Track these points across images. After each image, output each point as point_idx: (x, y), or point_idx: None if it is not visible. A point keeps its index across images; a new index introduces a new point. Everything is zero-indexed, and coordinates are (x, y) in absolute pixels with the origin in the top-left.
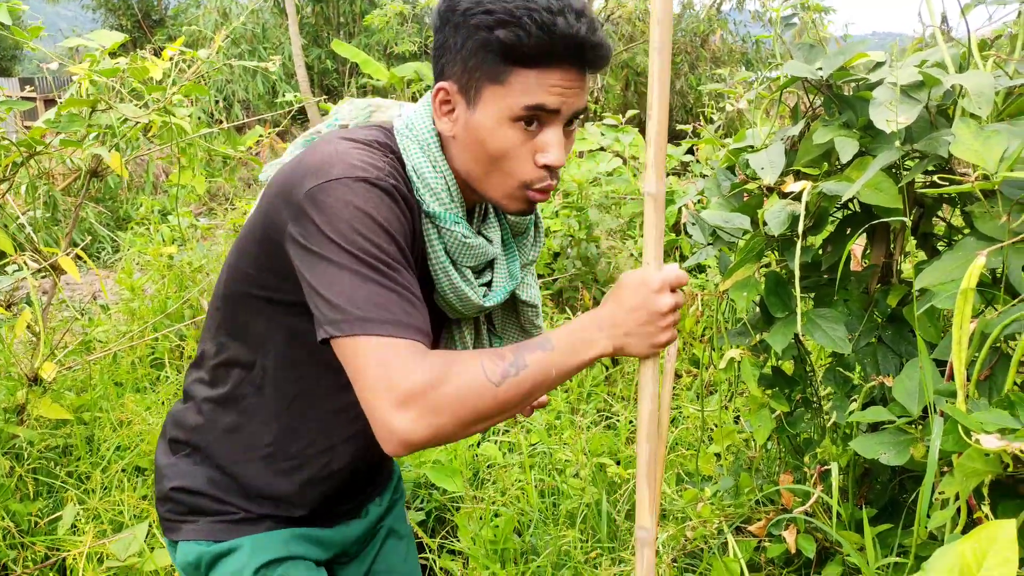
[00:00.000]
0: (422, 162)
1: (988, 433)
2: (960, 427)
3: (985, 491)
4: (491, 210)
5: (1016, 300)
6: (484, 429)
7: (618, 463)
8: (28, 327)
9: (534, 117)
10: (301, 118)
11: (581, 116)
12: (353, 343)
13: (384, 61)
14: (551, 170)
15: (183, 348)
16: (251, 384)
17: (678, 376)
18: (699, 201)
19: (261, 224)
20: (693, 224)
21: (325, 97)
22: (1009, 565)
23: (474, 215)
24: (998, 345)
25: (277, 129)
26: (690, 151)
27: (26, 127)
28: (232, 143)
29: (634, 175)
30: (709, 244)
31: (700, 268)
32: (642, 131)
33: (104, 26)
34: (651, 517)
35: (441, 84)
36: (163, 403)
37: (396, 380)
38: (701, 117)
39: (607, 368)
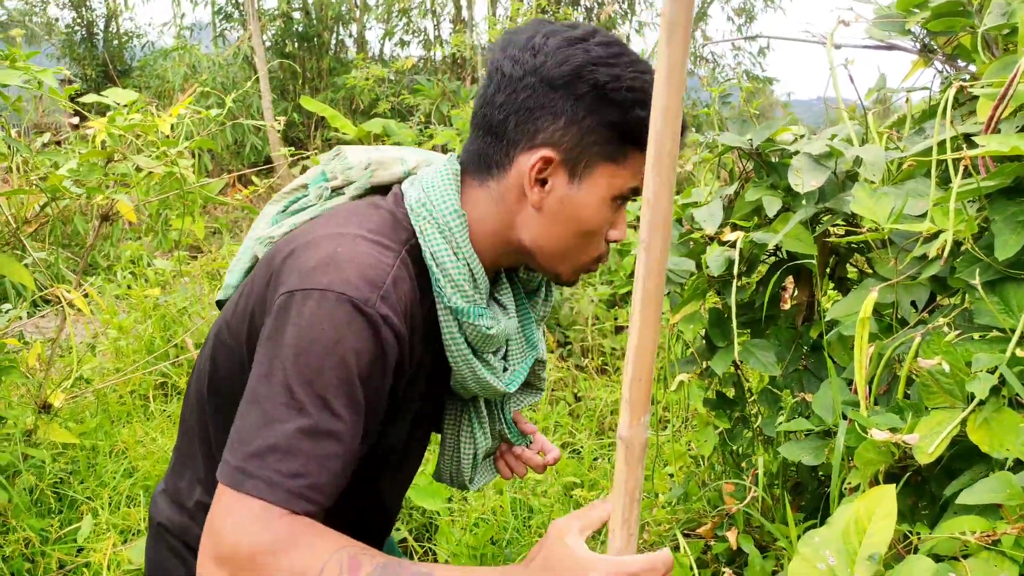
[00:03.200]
0: (442, 249)
1: (880, 430)
2: (859, 426)
3: (881, 479)
4: (503, 287)
5: (905, 328)
6: None
7: (581, 485)
8: (38, 357)
9: (628, 199)
10: (268, 168)
11: None
12: (221, 488)
13: (349, 116)
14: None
15: (167, 383)
16: None
17: None
18: None
19: (247, 314)
20: None
21: (292, 149)
22: (890, 517)
23: (493, 295)
24: (893, 366)
25: (238, 172)
26: None
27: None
28: (208, 189)
29: None
30: None
31: None
32: None
33: (69, 75)
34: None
35: (547, 153)
36: (160, 433)
37: (230, 534)
38: None
39: (570, 405)
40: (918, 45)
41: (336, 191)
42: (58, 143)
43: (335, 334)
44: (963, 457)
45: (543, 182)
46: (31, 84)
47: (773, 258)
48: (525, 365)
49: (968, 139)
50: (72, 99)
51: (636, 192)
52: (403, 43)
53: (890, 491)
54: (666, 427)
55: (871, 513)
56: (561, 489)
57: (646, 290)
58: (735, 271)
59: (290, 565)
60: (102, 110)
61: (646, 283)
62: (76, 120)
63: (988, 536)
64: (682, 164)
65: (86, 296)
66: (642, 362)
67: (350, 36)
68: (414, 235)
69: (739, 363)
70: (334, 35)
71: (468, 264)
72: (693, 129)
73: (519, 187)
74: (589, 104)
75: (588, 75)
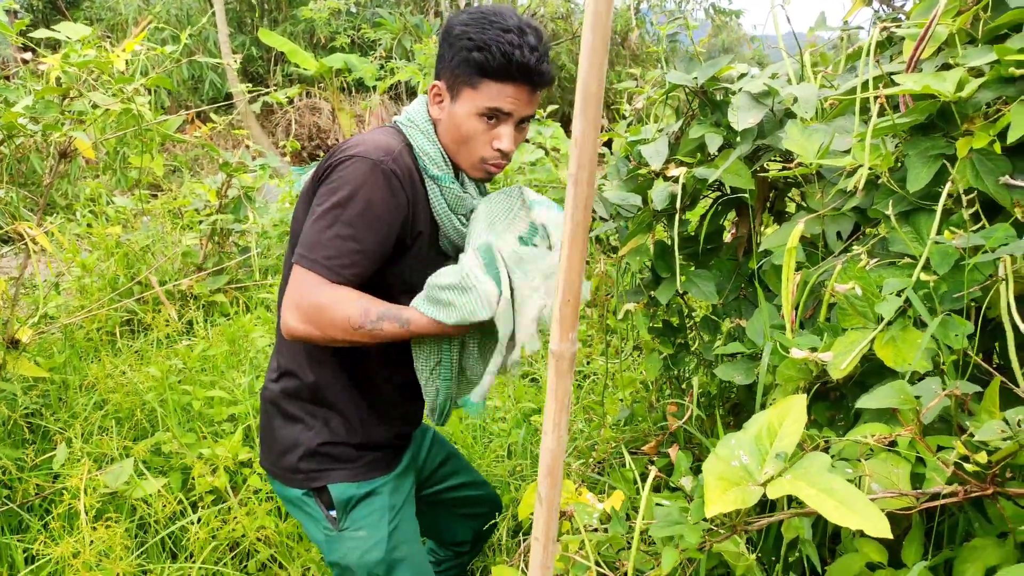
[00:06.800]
0: (424, 142)
1: (800, 350)
2: (781, 346)
3: (801, 393)
4: (466, 181)
5: (830, 257)
6: (344, 345)
7: (539, 411)
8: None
9: (494, 115)
10: (227, 105)
11: (530, 119)
12: (294, 267)
13: (310, 50)
14: (503, 153)
15: (133, 320)
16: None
17: (588, 345)
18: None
19: (306, 193)
20: (598, 202)
21: (250, 85)
22: (799, 422)
23: (457, 180)
24: (818, 292)
25: (197, 109)
26: (608, 144)
27: None
28: (165, 126)
29: (555, 165)
30: (611, 219)
31: (614, 249)
32: (563, 125)
33: (12, 5)
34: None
35: (435, 82)
36: (128, 367)
37: (302, 296)
38: (616, 113)
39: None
40: None
41: None
42: (7, 77)
43: (362, 180)
44: (875, 373)
45: (439, 103)
46: None
47: (717, 193)
48: None
49: (893, 78)
50: (22, 33)
51: (495, 111)
52: None
53: (800, 400)
54: (619, 356)
55: (782, 419)
56: (520, 415)
57: (575, 220)
58: (678, 205)
59: (334, 312)
60: (53, 44)
61: (574, 214)
62: (28, 56)
63: (886, 439)
64: (633, 102)
65: (48, 234)
66: (570, 285)
67: None
68: (407, 140)
69: (682, 293)
70: None
71: (440, 151)
72: (660, 66)
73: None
74: (453, 49)
75: (452, 31)
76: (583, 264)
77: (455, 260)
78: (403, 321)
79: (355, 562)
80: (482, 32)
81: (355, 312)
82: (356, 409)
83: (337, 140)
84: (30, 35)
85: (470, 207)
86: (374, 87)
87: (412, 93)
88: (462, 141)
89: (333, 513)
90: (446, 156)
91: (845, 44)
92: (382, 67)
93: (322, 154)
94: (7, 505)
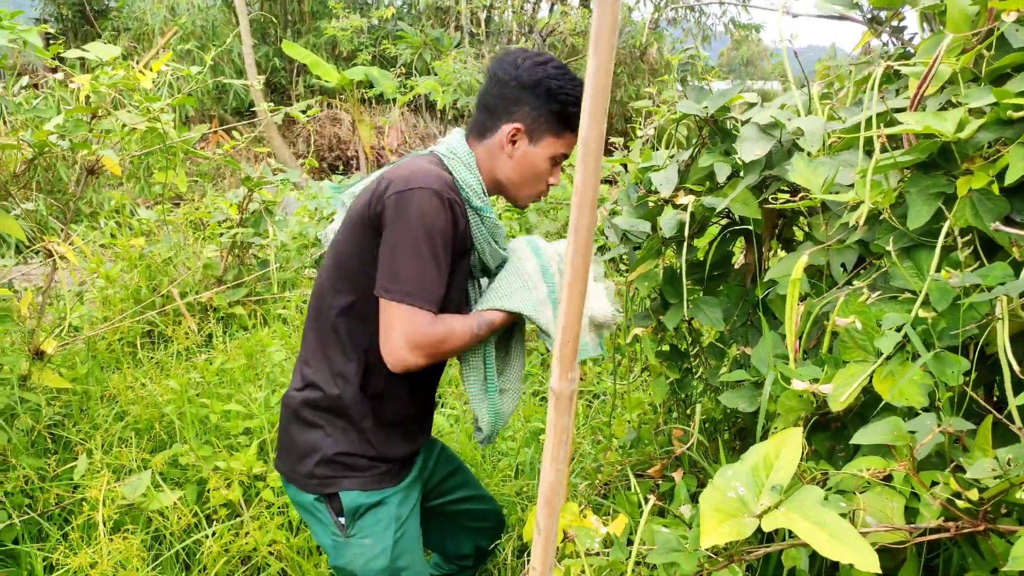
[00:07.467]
0: (466, 174)
1: (801, 381)
2: (781, 377)
3: (801, 425)
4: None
5: (833, 288)
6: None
7: None
8: (29, 306)
9: (561, 159)
10: (250, 115)
11: None
12: (395, 305)
13: (332, 62)
14: (548, 188)
15: (154, 331)
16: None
17: (598, 364)
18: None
19: (353, 222)
20: (609, 227)
21: (271, 104)
22: (795, 454)
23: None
24: (822, 322)
25: (222, 124)
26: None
27: None
28: (187, 142)
29: (570, 181)
30: (620, 244)
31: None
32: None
33: (43, 15)
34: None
35: (516, 124)
36: (148, 380)
37: (421, 335)
38: (631, 132)
39: (542, 355)
40: (868, 16)
41: None
42: (35, 86)
43: (436, 213)
44: (875, 405)
45: (514, 142)
46: (17, 43)
47: (725, 220)
48: None
49: (896, 116)
50: (55, 56)
51: (565, 156)
52: None
53: (797, 433)
54: (629, 375)
55: (779, 451)
56: (529, 434)
57: (574, 267)
58: (687, 233)
59: (456, 339)
60: (81, 56)
61: (574, 260)
62: (60, 76)
63: (881, 473)
64: (644, 127)
65: (72, 246)
66: (570, 327)
67: None
68: (450, 172)
69: (689, 319)
70: None
71: (481, 184)
72: (678, 83)
73: (500, 143)
74: (544, 100)
75: (545, 83)
76: (582, 307)
77: (480, 281)
78: (488, 321)
79: (359, 568)
80: (575, 89)
81: (467, 332)
82: (375, 427)
83: (356, 152)
84: (62, 55)
85: (503, 235)
86: (394, 100)
87: (431, 107)
88: (532, 178)
89: (342, 520)
90: (484, 189)
91: (855, 74)
92: (402, 83)
93: (341, 165)
94: (28, 514)
